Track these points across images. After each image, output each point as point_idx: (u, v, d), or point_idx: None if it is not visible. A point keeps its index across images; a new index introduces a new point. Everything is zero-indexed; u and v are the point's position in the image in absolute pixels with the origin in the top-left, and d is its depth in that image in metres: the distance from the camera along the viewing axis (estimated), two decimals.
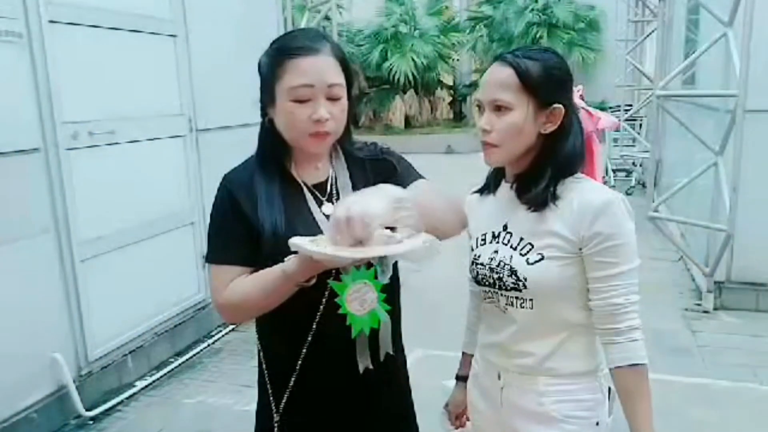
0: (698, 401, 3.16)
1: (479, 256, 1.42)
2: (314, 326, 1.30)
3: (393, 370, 1.41)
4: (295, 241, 1.13)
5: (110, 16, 3.29)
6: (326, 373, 1.35)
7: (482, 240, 1.43)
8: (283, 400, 1.37)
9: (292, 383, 1.36)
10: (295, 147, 1.33)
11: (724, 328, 4.08)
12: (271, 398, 1.40)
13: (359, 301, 1.17)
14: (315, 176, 1.37)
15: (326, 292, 1.26)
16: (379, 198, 1.12)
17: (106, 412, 3.19)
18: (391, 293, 1.27)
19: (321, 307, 1.29)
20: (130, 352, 3.50)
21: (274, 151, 1.34)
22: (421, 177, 1.41)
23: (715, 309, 4.32)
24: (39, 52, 2.87)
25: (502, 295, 1.37)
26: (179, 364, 3.72)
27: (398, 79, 16.34)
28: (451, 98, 18.13)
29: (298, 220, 1.30)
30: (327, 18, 7.52)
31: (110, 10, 3.29)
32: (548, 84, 1.30)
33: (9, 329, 2.77)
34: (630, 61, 8.88)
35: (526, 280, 1.31)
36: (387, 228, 1.14)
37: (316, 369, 1.34)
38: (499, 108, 1.30)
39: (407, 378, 1.52)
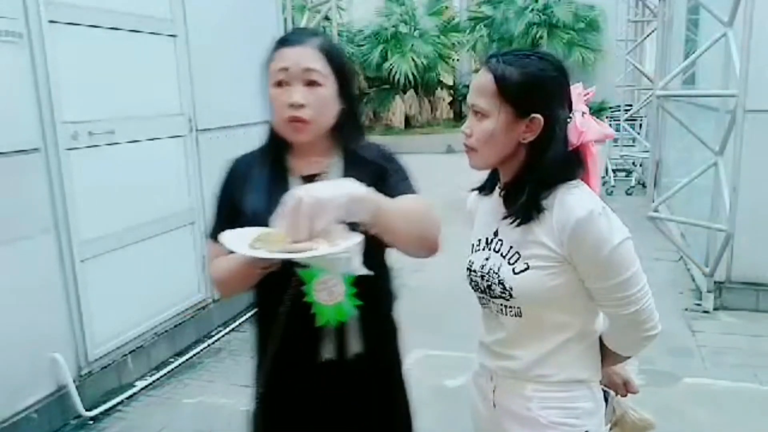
0: (698, 401, 3.16)
1: (473, 263, 1.41)
2: (283, 316, 1.33)
3: (378, 366, 1.42)
4: (223, 239, 1.19)
5: (110, 16, 3.29)
6: (299, 365, 1.38)
7: (477, 246, 1.42)
8: (261, 389, 1.43)
9: (266, 373, 1.40)
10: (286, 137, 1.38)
11: (724, 328, 4.08)
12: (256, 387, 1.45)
13: (327, 292, 1.21)
14: (309, 169, 1.41)
15: (292, 279, 1.29)
16: (336, 190, 1.15)
17: (106, 412, 3.19)
18: (369, 288, 1.28)
19: (288, 294, 1.31)
20: (130, 352, 3.50)
21: (274, 142, 1.40)
22: (412, 192, 1.39)
23: (715, 309, 4.31)
24: (39, 52, 2.86)
25: (493, 302, 1.37)
26: (179, 364, 3.72)
27: (398, 79, 16.32)
28: (451, 98, 18.12)
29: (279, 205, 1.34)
30: (327, 18, 7.51)
31: (110, 10, 3.28)
32: (526, 94, 1.25)
33: (9, 329, 2.76)
34: (630, 61, 8.88)
35: (512, 289, 1.29)
36: (342, 223, 1.16)
37: (287, 359, 1.37)
38: (477, 113, 1.29)
39: (402, 380, 1.52)
